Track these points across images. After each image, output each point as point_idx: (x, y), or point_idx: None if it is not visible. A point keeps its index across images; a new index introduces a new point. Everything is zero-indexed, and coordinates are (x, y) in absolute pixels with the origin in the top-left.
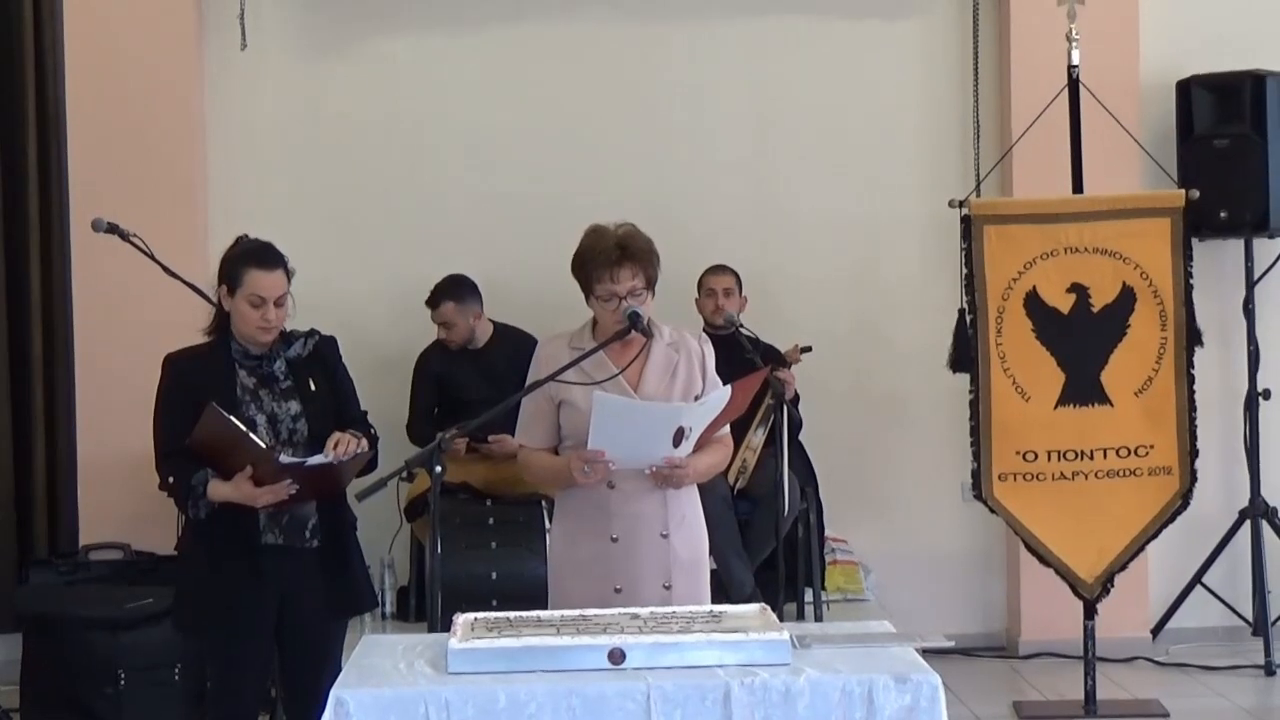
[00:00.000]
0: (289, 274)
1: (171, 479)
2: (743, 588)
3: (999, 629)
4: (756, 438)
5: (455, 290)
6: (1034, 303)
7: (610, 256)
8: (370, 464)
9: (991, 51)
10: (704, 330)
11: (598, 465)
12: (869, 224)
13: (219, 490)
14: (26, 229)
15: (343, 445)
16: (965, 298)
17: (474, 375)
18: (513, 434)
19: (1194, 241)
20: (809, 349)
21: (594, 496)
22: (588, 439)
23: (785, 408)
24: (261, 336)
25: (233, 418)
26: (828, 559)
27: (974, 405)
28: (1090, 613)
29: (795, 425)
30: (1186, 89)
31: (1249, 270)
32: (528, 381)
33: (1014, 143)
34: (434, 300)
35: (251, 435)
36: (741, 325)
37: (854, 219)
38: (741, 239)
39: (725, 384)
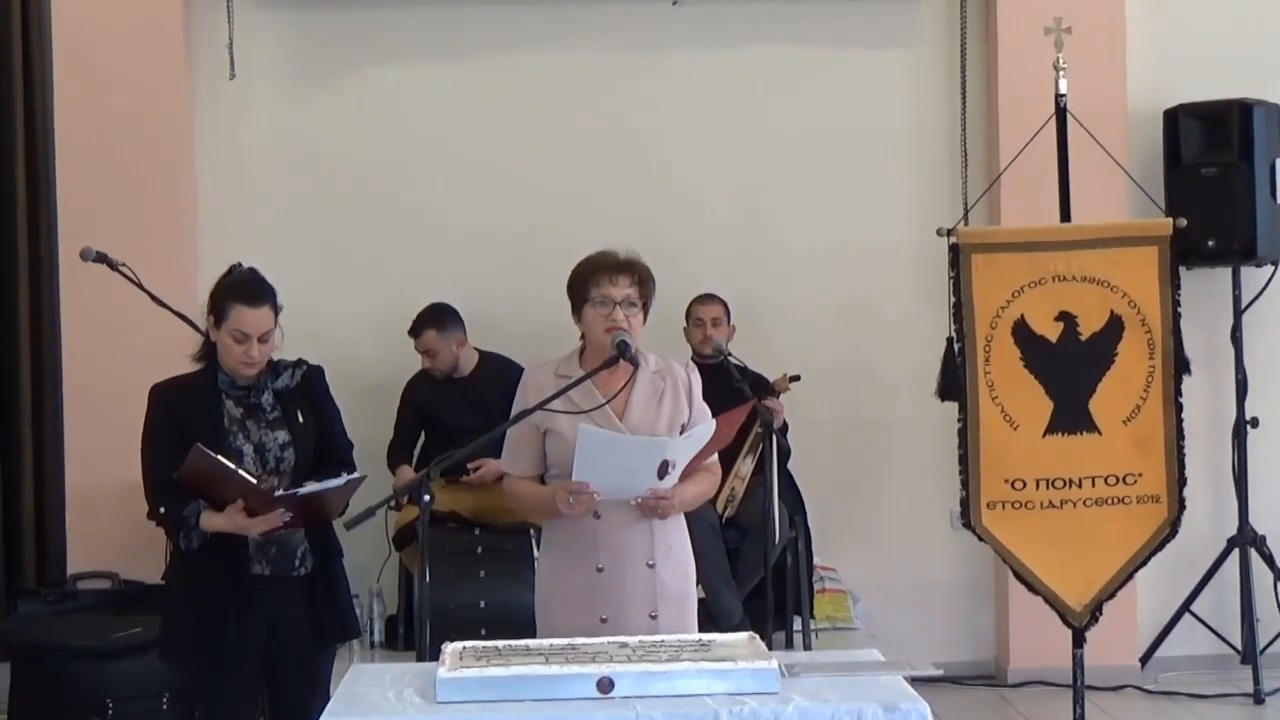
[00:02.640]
0: (277, 309)
1: (163, 510)
2: (731, 616)
3: (988, 657)
4: (745, 466)
5: (436, 318)
6: (1022, 331)
7: (612, 263)
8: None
9: (979, 80)
10: (692, 359)
11: (582, 497)
12: (857, 252)
13: (212, 521)
14: (15, 258)
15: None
16: (953, 326)
17: (460, 405)
18: (494, 460)
19: (1182, 270)
20: (798, 378)
21: (580, 526)
22: (572, 470)
23: (774, 436)
24: (244, 371)
25: (220, 457)
26: (816, 587)
27: (962, 434)
28: (1079, 641)
29: (784, 454)
30: (1174, 117)
31: (1236, 298)
32: (514, 410)
33: (1001, 171)
34: (416, 329)
35: (241, 472)
36: (730, 354)
37: (842, 247)
38: (729, 267)
39: (714, 412)
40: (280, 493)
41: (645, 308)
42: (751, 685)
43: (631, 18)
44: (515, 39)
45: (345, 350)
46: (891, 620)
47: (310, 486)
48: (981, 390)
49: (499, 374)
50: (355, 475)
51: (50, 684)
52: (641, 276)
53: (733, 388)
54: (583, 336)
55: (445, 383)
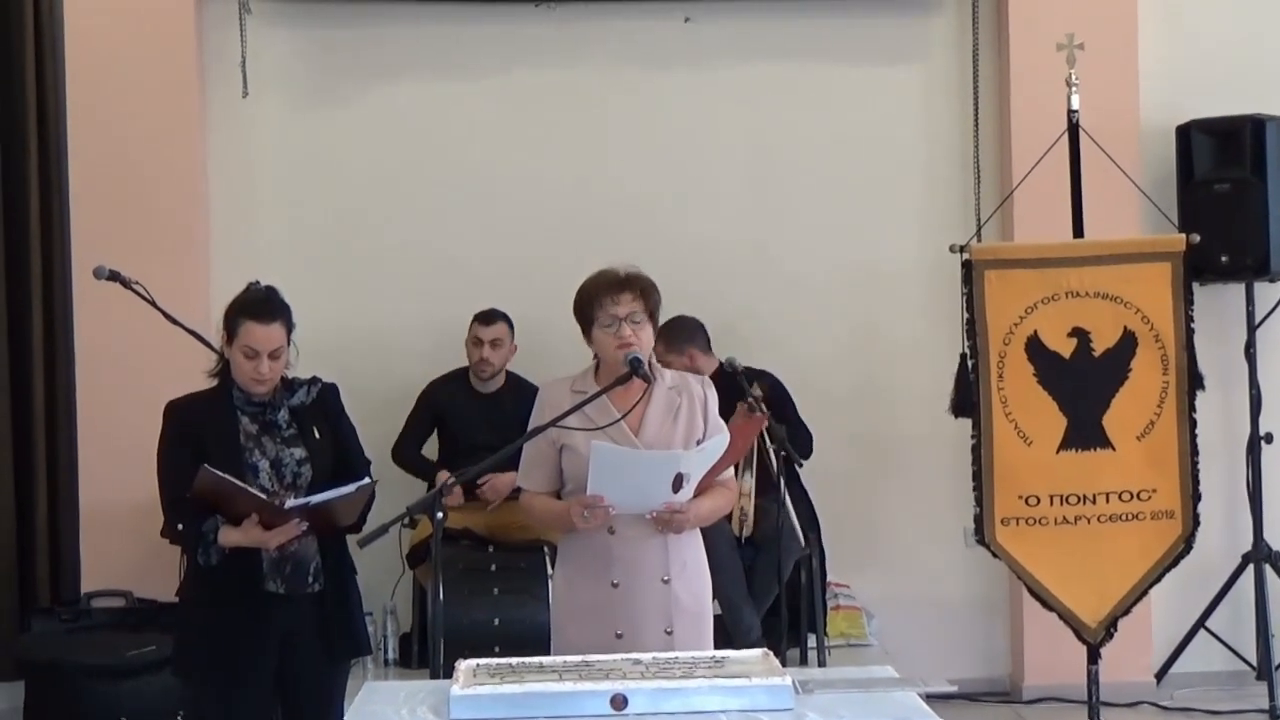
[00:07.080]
0: (289, 327)
1: (181, 526)
2: (749, 633)
3: (1002, 674)
4: (745, 483)
5: (508, 316)
6: (1035, 347)
7: (613, 282)
8: (367, 505)
9: (991, 96)
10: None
11: (597, 510)
12: (869, 269)
13: (230, 536)
14: (29, 277)
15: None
16: (967, 342)
17: (479, 420)
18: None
19: (1195, 285)
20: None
21: (595, 542)
22: (587, 485)
23: (787, 450)
24: (255, 388)
25: (228, 476)
26: (830, 604)
27: (976, 450)
28: (1094, 657)
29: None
30: (1186, 133)
31: (1250, 314)
32: (529, 426)
33: (1014, 187)
34: (488, 317)
35: (250, 489)
36: (740, 369)
37: (854, 264)
38: (740, 283)
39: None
40: (291, 503)
41: (653, 318)
42: (766, 702)
43: (643, 34)
44: (526, 55)
45: (356, 366)
46: (906, 637)
47: (320, 496)
48: (995, 406)
49: (522, 395)
50: (365, 482)
51: (65, 702)
52: (644, 289)
53: (745, 402)
54: (596, 355)
55: (467, 396)
